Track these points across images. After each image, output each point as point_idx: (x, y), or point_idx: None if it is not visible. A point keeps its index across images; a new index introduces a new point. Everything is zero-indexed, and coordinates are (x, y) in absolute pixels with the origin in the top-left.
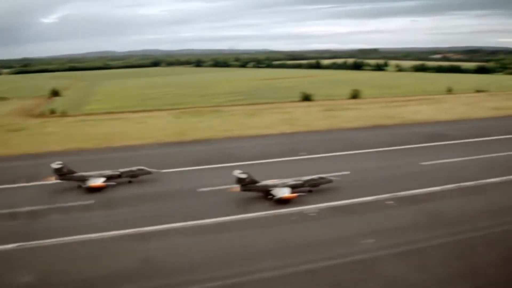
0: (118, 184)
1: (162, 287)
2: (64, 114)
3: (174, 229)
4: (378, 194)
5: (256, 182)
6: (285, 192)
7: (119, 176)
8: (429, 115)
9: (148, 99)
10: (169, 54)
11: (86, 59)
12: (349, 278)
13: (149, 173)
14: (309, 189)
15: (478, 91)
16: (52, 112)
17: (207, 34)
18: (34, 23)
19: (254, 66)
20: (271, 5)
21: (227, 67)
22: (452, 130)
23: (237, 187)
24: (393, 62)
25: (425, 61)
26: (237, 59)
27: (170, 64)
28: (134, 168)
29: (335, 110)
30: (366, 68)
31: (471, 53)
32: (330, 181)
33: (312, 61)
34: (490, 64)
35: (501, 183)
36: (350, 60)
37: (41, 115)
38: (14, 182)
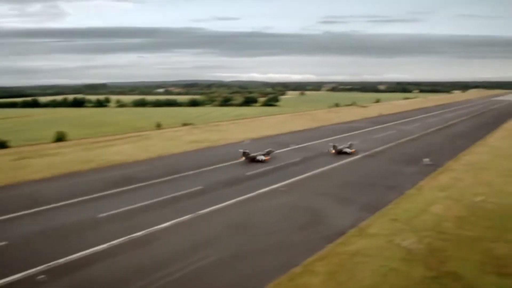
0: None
1: None
2: None
3: None
4: (29, 269)
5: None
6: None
7: (268, 153)
8: (129, 155)
9: None
10: None
11: None
12: None
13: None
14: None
15: (184, 125)
16: None
17: None
18: None
19: None
20: None
21: None
22: (144, 170)
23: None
24: (114, 98)
25: (149, 95)
26: None
27: None
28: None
29: (30, 157)
30: (88, 104)
31: (190, 86)
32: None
33: (28, 98)
34: (202, 97)
35: (171, 226)
36: (71, 97)
37: None
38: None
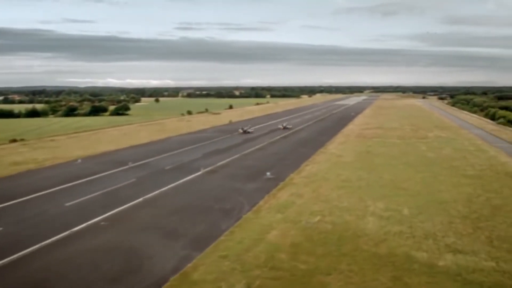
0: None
1: None
2: None
3: None
4: None
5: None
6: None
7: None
8: None
9: None
10: None
11: None
12: None
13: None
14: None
15: (12, 141)
16: None
17: None
18: None
19: None
20: None
21: None
22: None
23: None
24: None
25: None
26: None
27: None
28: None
29: None
30: None
31: (36, 94)
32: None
33: None
34: (44, 106)
35: None
36: None
37: None
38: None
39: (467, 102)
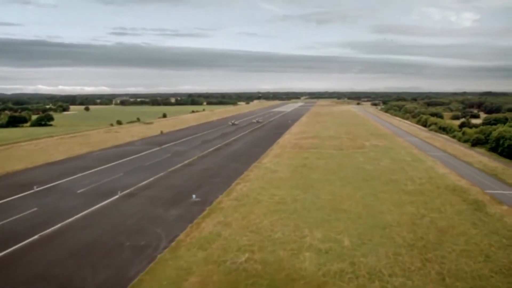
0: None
1: None
2: None
3: None
4: None
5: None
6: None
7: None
8: None
9: None
10: None
11: None
12: None
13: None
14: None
15: None
16: None
17: None
18: None
19: None
20: None
21: None
22: None
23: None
24: None
25: None
26: None
27: None
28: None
29: None
30: None
31: None
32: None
33: None
34: None
35: None
36: None
37: None
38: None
39: (399, 108)
